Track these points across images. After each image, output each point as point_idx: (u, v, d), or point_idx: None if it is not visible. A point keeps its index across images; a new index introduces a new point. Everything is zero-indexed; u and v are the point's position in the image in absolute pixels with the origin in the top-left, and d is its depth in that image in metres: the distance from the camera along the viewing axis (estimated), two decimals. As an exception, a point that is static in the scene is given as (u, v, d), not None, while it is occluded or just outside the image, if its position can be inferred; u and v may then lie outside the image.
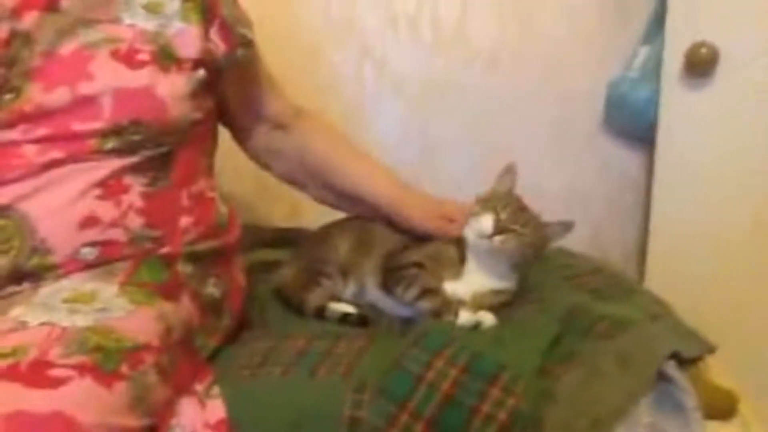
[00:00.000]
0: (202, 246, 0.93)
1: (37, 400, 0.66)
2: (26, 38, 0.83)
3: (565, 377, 0.87)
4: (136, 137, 0.84)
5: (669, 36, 1.36)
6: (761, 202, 1.37)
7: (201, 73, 0.91)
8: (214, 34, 0.94)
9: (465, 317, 0.92)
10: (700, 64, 1.33)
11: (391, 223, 1.07)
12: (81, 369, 0.70)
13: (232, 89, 1.05)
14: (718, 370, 0.97)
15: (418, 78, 1.53)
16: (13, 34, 0.83)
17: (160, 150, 0.88)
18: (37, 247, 0.81)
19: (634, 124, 1.47)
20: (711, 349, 0.97)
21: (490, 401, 0.80)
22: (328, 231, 1.10)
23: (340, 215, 1.15)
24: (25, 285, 0.81)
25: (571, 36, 1.50)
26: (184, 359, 0.86)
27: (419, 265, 0.98)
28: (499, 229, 0.93)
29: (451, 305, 0.94)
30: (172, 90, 0.87)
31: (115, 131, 0.83)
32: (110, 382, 0.72)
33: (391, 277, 0.99)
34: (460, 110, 1.55)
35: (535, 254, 0.97)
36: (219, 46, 0.95)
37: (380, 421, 0.79)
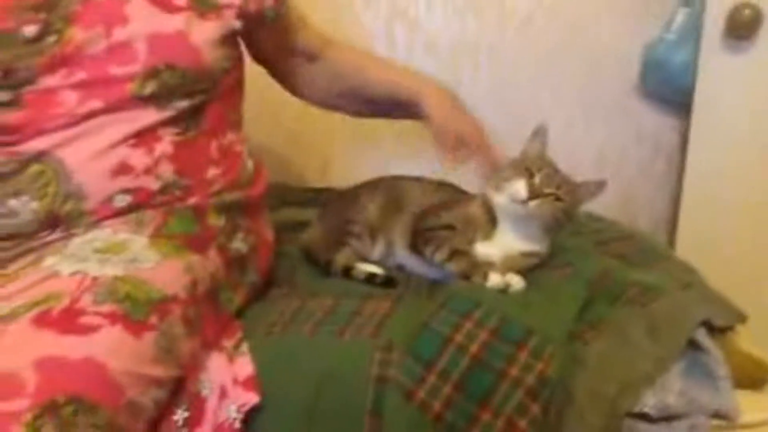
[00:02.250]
0: (228, 197, 0.94)
1: (69, 346, 0.68)
2: None
3: (595, 343, 0.87)
4: (172, 82, 0.86)
5: (711, -4, 1.32)
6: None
7: (237, 24, 0.93)
8: None
9: (494, 279, 0.92)
10: (742, 27, 1.29)
11: (425, 180, 1.07)
12: (111, 317, 0.72)
13: (270, 37, 1.06)
14: (749, 339, 0.96)
15: (450, 38, 1.51)
16: None
17: (193, 101, 0.89)
18: (72, 193, 0.82)
19: (670, 88, 1.43)
20: (742, 318, 0.97)
21: (518, 365, 0.80)
22: (357, 191, 1.10)
23: (371, 174, 1.14)
24: (58, 232, 0.83)
25: (608, -5, 1.46)
26: (210, 313, 0.87)
27: (450, 227, 0.97)
28: (533, 194, 0.92)
29: (481, 267, 0.93)
30: (205, 37, 0.88)
31: (152, 75, 0.84)
32: (139, 331, 0.73)
33: (420, 238, 0.99)
34: (491, 71, 1.52)
35: (568, 216, 0.95)
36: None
37: (408, 381, 0.79)
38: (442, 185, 1.06)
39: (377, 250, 1.04)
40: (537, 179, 0.92)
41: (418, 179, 1.09)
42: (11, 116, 0.81)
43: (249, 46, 1.06)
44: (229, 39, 0.92)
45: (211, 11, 0.89)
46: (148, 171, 0.86)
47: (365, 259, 1.03)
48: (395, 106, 1.11)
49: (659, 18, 1.42)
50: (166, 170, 0.87)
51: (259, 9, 0.97)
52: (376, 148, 1.53)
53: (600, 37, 1.47)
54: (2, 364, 0.65)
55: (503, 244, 0.96)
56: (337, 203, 1.11)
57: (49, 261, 0.79)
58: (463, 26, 1.50)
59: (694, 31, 1.36)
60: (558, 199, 0.92)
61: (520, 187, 0.92)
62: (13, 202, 0.81)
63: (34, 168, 0.82)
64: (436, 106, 1.06)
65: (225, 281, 0.92)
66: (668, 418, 0.83)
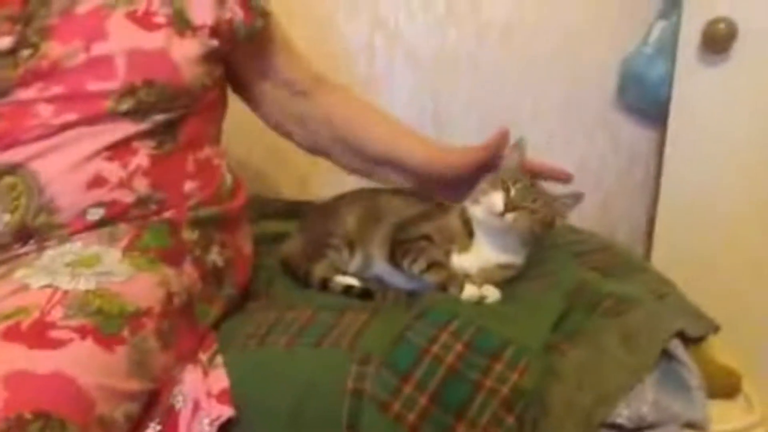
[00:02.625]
0: (206, 212, 0.94)
1: (38, 361, 0.67)
2: None
3: (570, 354, 0.87)
4: (149, 99, 0.85)
5: (687, 11, 1.34)
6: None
7: (214, 42, 0.92)
8: (233, 2, 0.94)
9: (470, 291, 0.92)
10: (718, 41, 1.31)
11: (403, 192, 1.07)
12: (82, 331, 0.71)
13: (248, 57, 1.04)
14: (722, 349, 0.97)
15: (431, 49, 1.52)
16: None
17: (169, 116, 0.88)
18: (45, 206, 0.82)
19: (647, 100, 1.45)
20: (715, 329, 0.97)
21: (493, 376, 0.80)
22: (335, 203, 1.10)
23: (349, 187, 1.14)
24: (31, 245, 0.82)
25: (586, 9, 1.47)
26: (185, 326, 0.87)
27: (427, 237, 0.97)
28: (510, 207, 0.92)
29: (457, 278, 0.94)
30: (186, 54, 0.88)
31: (129, 91, 0.84)
32: (111, 345, 0.72)
33: (398, 249, 0.99)
34: (472, 83, 1.53)
35: (545, 229, 0.96)
36: (237, 14, 0.94)
37: (384, 393, 0.79)
38: (421, 196, 1.06)
39: (355, 263, 1.04)
40: (513, 192, 0.93)
41: (397, 190, 1.09)
42: None
43: (228, 72, 1.03)
44: (209, 57, 0.92)
45: (187, 29, 0.89)
46: (122, 184, 0.85)
47: (343, 272, 1.03)
48: (397, 170, 1.07)
49: (638, 31, 1.44)
50: (141, 184, 0.87)
51: (229, 26, 0.94)
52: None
53: (580, 49, 1.49)
54: None
55: (480, 257, 0.96)
56: (315, 215, 1.11)
57: (20, 273, 0.78)
58: (444, 38, 1.51)
59: (670, 45, 1.37)
60: (534, 212, 0.93)
61: (496, 200, 0.93)
62: None
63: (7, 180, 0.81)
64: (461, 160, 1.03)
65: (200, 294, 0.91)
66: (641, 428, 0.84)
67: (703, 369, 0.89)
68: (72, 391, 0.67)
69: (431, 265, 0.95)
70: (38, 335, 0.69)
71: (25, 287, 0.75)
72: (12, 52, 0.81)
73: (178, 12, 0.88)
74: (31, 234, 0.82)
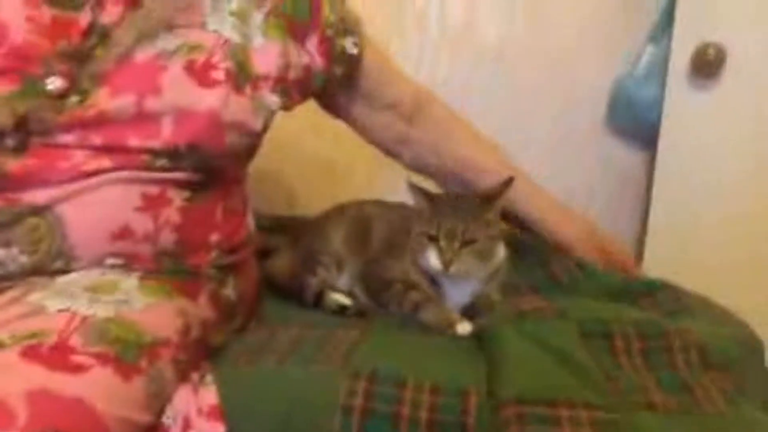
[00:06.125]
0: (227, 260, 0.92)
1: (61, 384, 0.65)
2: (105, 34, 0.80)
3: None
4: (190, 160, 0.81)
5: (676, 35, 1.35)
6: (762, 206, 1.36)
7: (274, 102, 0.89)
8: (311, 46, 0.92)
9: (464, 328, 0.91)
10: (707, 65, 1.33)
11: (386, 205, 1.07)
12: (102, 359, 0.69)
13: (337, 89, 1.02)
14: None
15: (424, 74, 1.52)
16: (93, 26, 0.80)
17: (207, 172, 0.85)
18: (65, 253, 0.79)
19: (637, 123, 1.46)
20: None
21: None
22: (323, 221, 1.09)
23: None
24: (42, 278, 0.79)
25: (578, 33, 1.49)
26: (200, 359, 0.84)
27: (402, 281, 0.96)
28: (447, 261, 0.91)
29: (449, 316, 0.93)
30: (238, 115, 0.83)
31: (171, 152, 0.80)
32: (130, 374, 0.71)
33: (378, 296, 0.98)
34: (463, 106, 1.53)
35: (495, 243, 0.94)
36: (316, 60, 0.93)
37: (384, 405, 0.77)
38: (407, 215, 1.02)
39: (344, 280, 1.04)
40: (443, 243, 0.91)
41: (384, 206, 1.08)
42: (15, 164, 0.76)
43: (318, 98, 1.01)
44: (264, 118, 0.88)
45: (247, 82, 0.84)
46: (147, 238, 0.82)
47: (333, 288, 1.02)
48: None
49: (628, 55, 1.45)
50: (168, 239, 0.83)
51: (302, 76, 0.91)
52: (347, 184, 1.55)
53: (571, 72, 1.50)
54: None
55: (453, 298, 0.96)
56: (303, 232, 1.11)
57: (34, 296, 0.75)
58: (437, 63, 1.52)
59: (660, 68, 1.39)
60: (473, 241, 0.91)
61: (433, 260, 0.92)
62: (1, 252, 0.77)
63: (30, 221, 0.77)
64: (576, 241, 1.04)
65: (214, 328, 0.89)
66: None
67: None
68: (92, 418, 0.65)
69: (417, 306, 0.94)
70: (60, 359, 0.67)
71: (42, 309, 0.73)
72: (60, 96, 0.77)
73: (241, 63, 0.84)
74: (45, 273, 0.79)
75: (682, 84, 1.37)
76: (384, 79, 1.06)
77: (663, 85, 1.39)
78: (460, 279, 0.94)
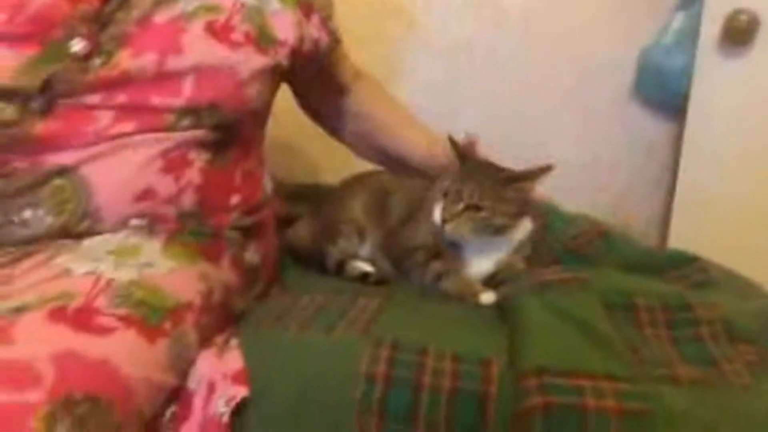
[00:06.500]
0: (246, 221, 0.93)
1: (86, 345, 0.66)
2: None
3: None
4: (211, 119, 0.83)
5: (708, 2, 1.32)
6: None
7: (285, 62, 0.90)
8: (314, 25, 0.95)
9: (487, 297, 0.91)
10: (739, 32, 1.29)
11: (405, 182, 1.07)
12: (126, 321, 0.70)
13: (313, 73, 1.05)
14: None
15: (447, 37, 1.50)
16: None
17: (228, 131, 0.87)
18: (90, 214, 0.80)
19: (665, 93, 1.43)
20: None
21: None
22: (342, 191, 1.09)
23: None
24: (68, 240, 0.81)
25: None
26: (223, 322, 0.86)
27: (423, 247, 0.96)
28: (446, 217, 0.90)
29: (472, 285, 0.93)
30: (254, 71, 0.85)
31: (193, 111, 0.82)
32: (153, 337, 0.72)
33: (399, 264, 0.99)
34: (487, 75, 1.52)
35: (503, 218, 0.92)
36: (322, 38, 0.97)
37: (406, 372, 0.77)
38: (425, 185, 1.02)
39: (366, 248, 1.04)
40: (447, 201, 0.91)
41: (401, 176, 1.08)
42: (41, 126, 0.78)
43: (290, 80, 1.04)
44: (276, 72, 0.90)
45: (270, 46, 0.87)
46: (170, 200, 0.83)
47: (355, 256, 1.02)
48: (405, 167, 1.11)
49: (655, 22, 1.42)
50: (189, 201, 0.85)
51: (315, 47, 0.95)
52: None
53: (596, 41, 1.47)
54: (17, 352, 0.63)
55: (475, 266, 0.95)
56: (324, 201, 1.11)
57: (60, 259, 0.77)
58: (461, 26, 1.50)
59: (690, 36, 1.36)
60: (477, 208, 0.90)
61: (435, 215, 0.92)
62: (28, 214, 0.79)
63: (56, 182, 0.78)
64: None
65: (236, 291, 0.91)
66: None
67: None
68: (118, 379, 0.66)
69: (440, 275, 0.94)
70: (85, 320, 0.68)
71: (67, 272, 0.74)
72: (84, 57, 0.78)
73: (261, 27, 0.86)
74: (71, 235, 0.80)
75: (712, 52, 1.33)
76: (344, 60, 1.11)
77: (692, 53, 1.35)
78: (456, 238, 0.93)
